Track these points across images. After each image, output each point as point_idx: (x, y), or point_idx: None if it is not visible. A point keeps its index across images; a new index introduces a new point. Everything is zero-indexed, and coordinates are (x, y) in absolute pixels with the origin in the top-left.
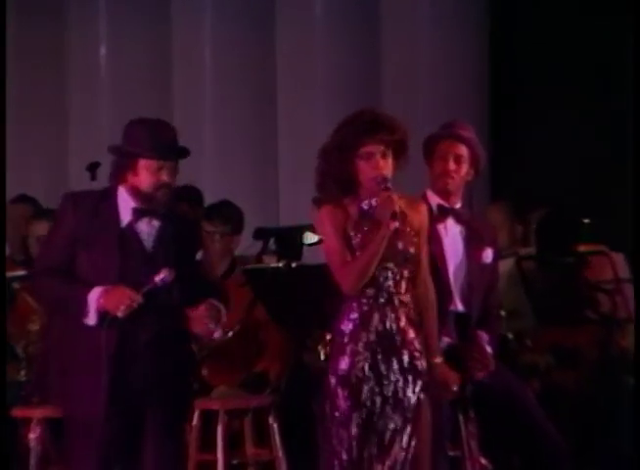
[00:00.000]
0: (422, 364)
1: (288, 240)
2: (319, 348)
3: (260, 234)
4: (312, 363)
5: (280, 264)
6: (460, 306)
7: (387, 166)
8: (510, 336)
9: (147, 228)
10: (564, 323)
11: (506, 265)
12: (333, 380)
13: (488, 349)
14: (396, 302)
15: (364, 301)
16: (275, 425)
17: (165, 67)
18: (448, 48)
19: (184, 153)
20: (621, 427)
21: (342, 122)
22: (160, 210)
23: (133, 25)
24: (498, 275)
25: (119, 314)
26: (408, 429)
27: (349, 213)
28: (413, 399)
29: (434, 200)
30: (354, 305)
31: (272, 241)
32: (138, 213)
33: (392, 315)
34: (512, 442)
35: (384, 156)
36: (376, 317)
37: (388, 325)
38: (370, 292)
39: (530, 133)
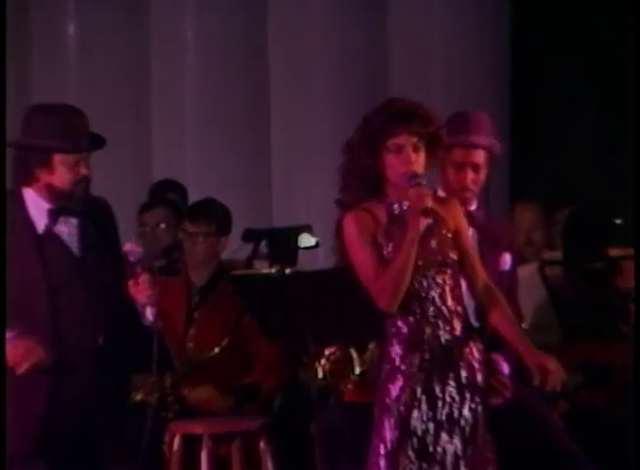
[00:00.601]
0: (481, 377)
1: (281, 243)
2: (316, 364)
3: (250, 236)
4: (309, 382)
5: (272, 270)
6: (474, 321)
7: (418, 161)
8: None
9: (67, 228)
10: (593, 337)
11: (527, 271)
12: (380, 409)
13: (506, 372)
14: (446, 312)
15: (410, 316)
16: (267, 450)
17: (144, 51)
18: (464, 40)
19: (101, 141)
20: None
21: (370, 112)
22: (77, 206)
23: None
24: (517, 283)
25: (19, 371)
26: (469, 451)
27: (379, 219)
28: (470, 418)
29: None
30: (400, 323)
31: (264, 244)
32: (55, 215)
33: (446, 327)
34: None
35: (415, 149)
36: (427, 332)
37: (441, 339)
38: (415, 305)
39: (553, 130)
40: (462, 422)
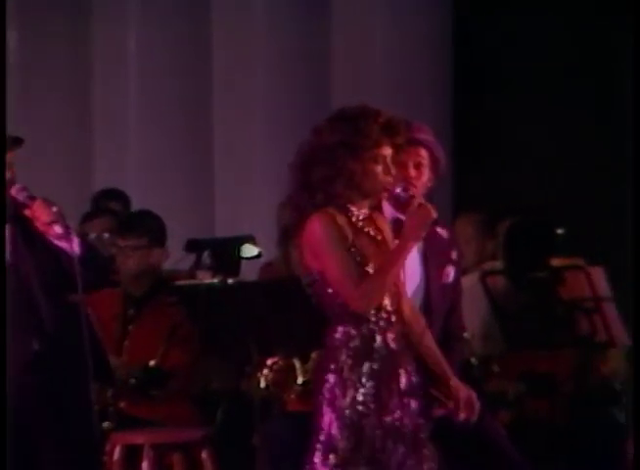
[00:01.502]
0: (418, 383)
1: (224, 253)
2: (259, 374)
3: (193, 246)
4: (251, 392)
5: (215, 280)
6: None
7: (393, 172)
8: (474, 361)
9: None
10: (536, 347)
11: (469, 282)
12: (328, 418)
13: (451, 381)
14: (394, 319)
15: (363, 323)
16: (209, 460)
17: (85, 58)
18: (406, 51)
19: (16, 142)
20: (603, 463)
21: (344, 117)
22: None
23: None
24: (461, 293)
25: None
26: (408, 458)
27: (351, 222)
28: (410, 425)
29: (390, 212)
30: (353, 332)
31: (207, 254)
32: None
33: (393, 336)
34: None
35: (391, 160)
36: (378, 341)
37: (389, 347)
38: (370, 314)
39: (496, 142)
40: (404, 429)
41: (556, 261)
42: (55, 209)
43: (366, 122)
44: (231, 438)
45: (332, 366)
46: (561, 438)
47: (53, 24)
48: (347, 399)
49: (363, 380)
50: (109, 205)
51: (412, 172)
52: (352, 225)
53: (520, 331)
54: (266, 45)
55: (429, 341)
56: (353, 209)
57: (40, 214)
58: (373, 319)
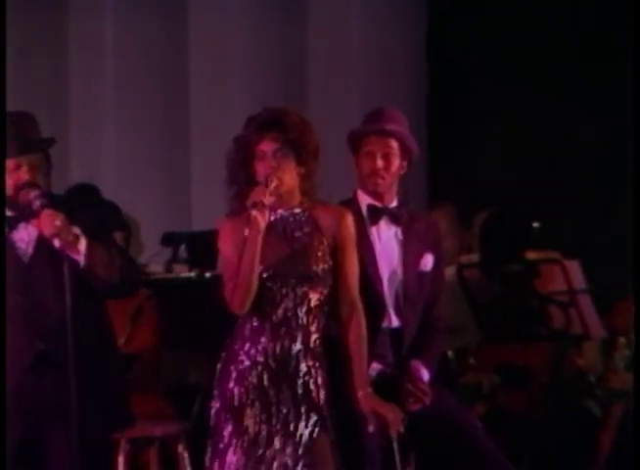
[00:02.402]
0: (319, 398)
1: (201, 246)
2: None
3: (170, 240)
4: None
5: (192, 274)
6: (395, 322)
7: (281, 168)
8: (450, 354)
9: (25, 235)
10: (511, 340)
11: (446, 274)
12: (217, 404)
13: (425, 377)
14: (294, 323)
15: (255, 318)
16: (185, 454)
17: (62, 58)
18: (381, 39)
19: (43, 144)
20: (578, 456)
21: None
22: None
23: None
24: (443, 285)
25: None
26: (300, 466)
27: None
28: (306, 435)
29: (365, 200)
30: (245, 322)
31: (183, 247)
32: (13, 221)
33: (287, 337)
34: None
35: (277, 156)
36: (267, 336)
37: (279, 348)
38: (263, 308)
39: (471, 133)
40: (297, 436)
41: (531, 255)
42: (58, 222)
43: (248, 123)
44: (207, 432)
45: (223, 354)
46: (536, 430)
47: (33, 21)
48: (231, 384)
49: (247, 369)
50: (82, 199)
51: (379, 163)
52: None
53: (495, 324)
54: (243, 42)
55: (360, 346)
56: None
57: (44, 226)
58: (265, 315)
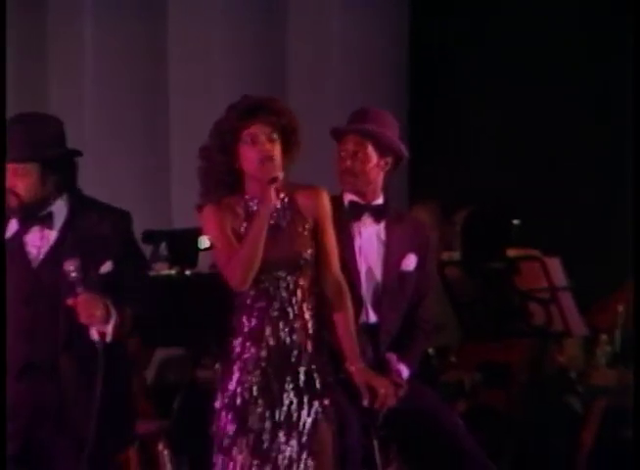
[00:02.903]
0: (321, 382)
1: (181, 244)
2: (216, 366)
3: (150, 238)
4: (208, 383)
5: (172, 272)
6: (372, 317)
7: (273, 151)
8: (431, 352)
9: (36, 239)
10: (492, 337)
11: None
12: (219, 403)
13: (404, 374)
14: (291, 314)
15: (255, 313)
16: (165, 452)
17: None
18: (362, 38)
19: (27, 154)
20: (558, 453)
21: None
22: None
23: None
24: (429, 286)
25: None
26: (304, 456)
27: (237, 214)
28: (309, 423)
29: (348, 196)
30: (244, 318)
31: (163, 245)
32: (22, 224)
33: (287, 329)
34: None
35: (270, 140)
36: (267, 331)
37: (281, 340)
38: (261, 304)
39: (452, 131)
40: (300, 426)
41: (512, 252)
42: (99, 312)
43: (227, 110)
44: (187, 429)
45: (223, 353)
46: (517, 427)
47: (11, 22)
48: (233, 384)
49: (250, 367)
50: None
51: (348, 163)
52: (247, 214)
53: (476, 321)
54: (223, 43)
55: (347, 320)
56: (252, 199)
57: (81, 311)
58: (262, 309)
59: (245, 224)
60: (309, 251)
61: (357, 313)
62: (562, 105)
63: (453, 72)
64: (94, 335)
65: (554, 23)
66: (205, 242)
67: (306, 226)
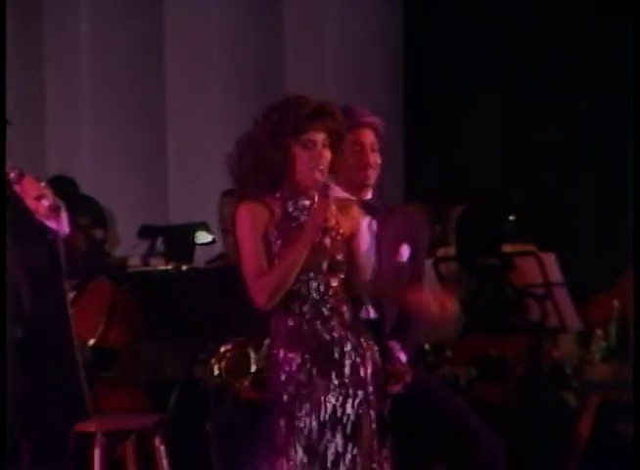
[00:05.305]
0: (366, 373)
1: (178, 239)
2: (212, 362)
3: (147, 233)
4: (205, 379)
5: (169, 267)
6: (372, 313)
7: (327, 157)
8: (427, 346)
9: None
10: (487, 332)
11: None
12: (271, 409)
13: (403, 358)
14: (326, 312)
15: (289, 318)
16: (162, 448)
17: (38, 54)
18: (356, 38)
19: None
20: (553, 449)
21: (274, 108)
22: None
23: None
24: (421, 274)
25: None
26: (350, 447)
27: (274, 214)
28: (352, 416)
29: (337, 192)
30: (281, 323)
31: (160, 240)
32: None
33: (324, 328)
34: (442, 449)
35: (324, 146)
36: (307, 334)
37: (320, 340)
38: (294, 306)
39: (447, 128)
40: (344, 419)
41: (507, 247)
42: (43, 184)
43: (290, 110)
44: (184, 425)
45: (271, 355)
46: (512, 422)
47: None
48: (280, 389)
49: (294, 369)
50: (60, 192)
51: (371, 156)
52: (283, 216)
53: (471, 316)
54: (220, 39)
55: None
56: (290, 199)
57: (29, 189)
58: (297, 311)
59: (275, 233)
60: (340, 255)
61: (357, 309)
62: (557, 102)
63: (448, 72)
64: (46, 203)
65: (548, 23)
66: (202, 237)
67: (343, 233)
